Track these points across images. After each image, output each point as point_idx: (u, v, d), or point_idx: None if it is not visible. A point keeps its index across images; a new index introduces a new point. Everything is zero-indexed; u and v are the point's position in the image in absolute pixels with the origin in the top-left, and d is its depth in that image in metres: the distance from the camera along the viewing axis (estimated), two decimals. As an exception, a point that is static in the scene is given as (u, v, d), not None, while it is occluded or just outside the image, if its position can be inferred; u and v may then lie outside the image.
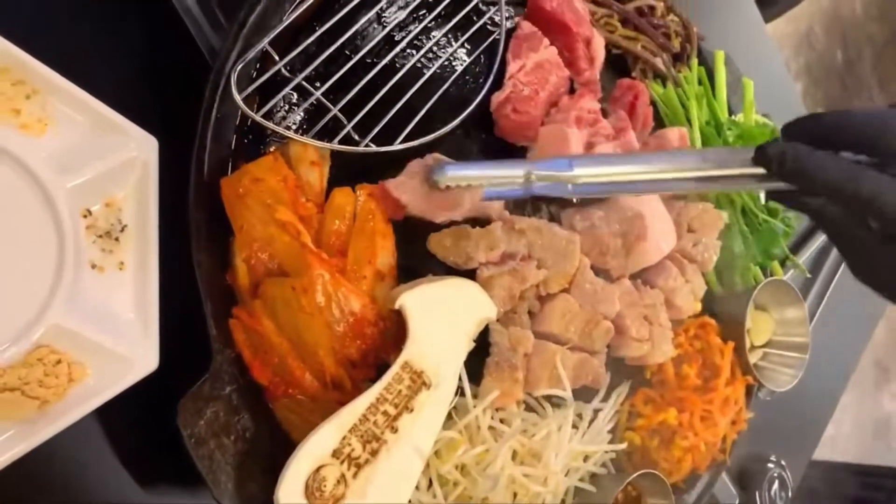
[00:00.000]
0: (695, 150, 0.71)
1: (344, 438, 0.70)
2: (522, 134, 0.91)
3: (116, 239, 0.72)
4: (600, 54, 0.97)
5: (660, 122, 1.07)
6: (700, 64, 1.13)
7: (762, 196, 1.11)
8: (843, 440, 3.53)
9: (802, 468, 1.46)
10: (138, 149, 0.72)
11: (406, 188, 0.82)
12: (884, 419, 3.82)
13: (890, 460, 3.62)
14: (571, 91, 0.97)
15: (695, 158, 0.73)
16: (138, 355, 0.70)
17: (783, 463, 1.34)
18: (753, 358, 1.12)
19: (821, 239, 1.40)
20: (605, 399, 0.96)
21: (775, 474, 1.32)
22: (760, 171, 0.67)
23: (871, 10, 4.28)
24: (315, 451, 0.68)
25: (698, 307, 1.04)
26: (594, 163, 0.78)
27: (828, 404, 1.52)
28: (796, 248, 1.34)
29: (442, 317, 0.77)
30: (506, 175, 0.80)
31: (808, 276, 1.30)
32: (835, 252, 1.44)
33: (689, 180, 0.73)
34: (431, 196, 0.83)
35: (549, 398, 0.88)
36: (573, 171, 0.77)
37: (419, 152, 0.86)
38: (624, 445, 0.94)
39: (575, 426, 0.89)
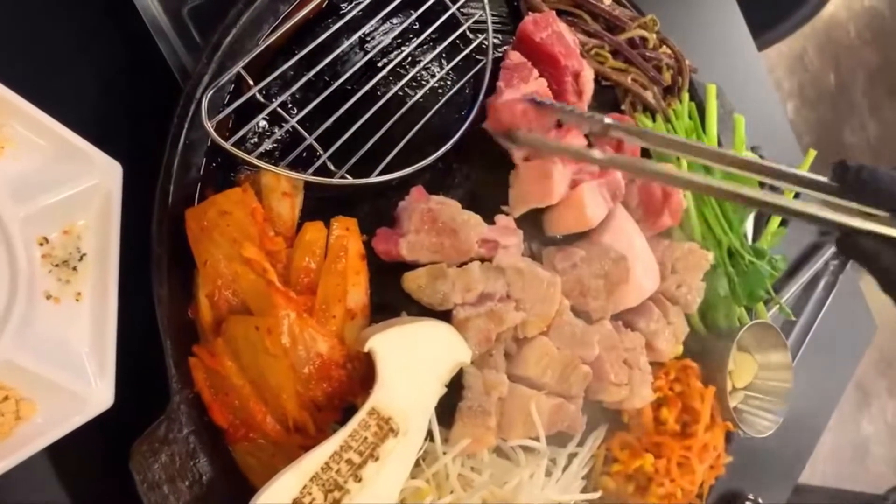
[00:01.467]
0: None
1: (304, 487, 0.67)
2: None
3: (74, 268, 0.70)
4: (589, 87, 0.94)
5: (648, 158, 1.05)
6: (692, 97, 1.11)
7: (750, 237, 1.09)
8: (821, 463, 3.54)
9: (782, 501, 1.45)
10: (101, 175, 0.69)
11: (417, 247, 0.81)
12: (862, 442, 3.83)
13: (867, 483, 3.63)
14: (558, 125, 0.94)
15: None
16: (92, 392, 0.67)
17: (760, 501, 1.32)
18: (734, 401, 1.10)
19: (802, 280, 1.38)
20: (581, 444, 0.94)
21: (752, 513, 1.30)
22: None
23: (865, 35, 4.30)
24: (274, 499, 0.65)
25: (679, 350, 1.02)
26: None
27: (808, 442, 1.51)
28: (777, 287, 1.32)
29: (413, 361, 0.74)
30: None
31: (793, 319, 1.28)
32: (817, 292, 1.43)
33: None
34: (441, 248, 0.82)
35: (522, 444, 0.86)
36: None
37: (397, 185, 0.84)
38: (598, 495, 0.92)
39: (548, 473, 0.87)
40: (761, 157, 1.25)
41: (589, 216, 0.92)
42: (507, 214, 0.89)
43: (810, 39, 4.06)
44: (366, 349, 0.72)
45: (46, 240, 0.68)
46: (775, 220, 1.18)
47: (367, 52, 0.85)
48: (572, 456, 0.92)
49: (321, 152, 0.79)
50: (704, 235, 1.06)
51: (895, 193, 0.67)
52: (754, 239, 1.15)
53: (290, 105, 0.80)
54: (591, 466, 0.96)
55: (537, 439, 0.85)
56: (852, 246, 0.69)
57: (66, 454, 0.68)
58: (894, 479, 3.74)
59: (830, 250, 1.48)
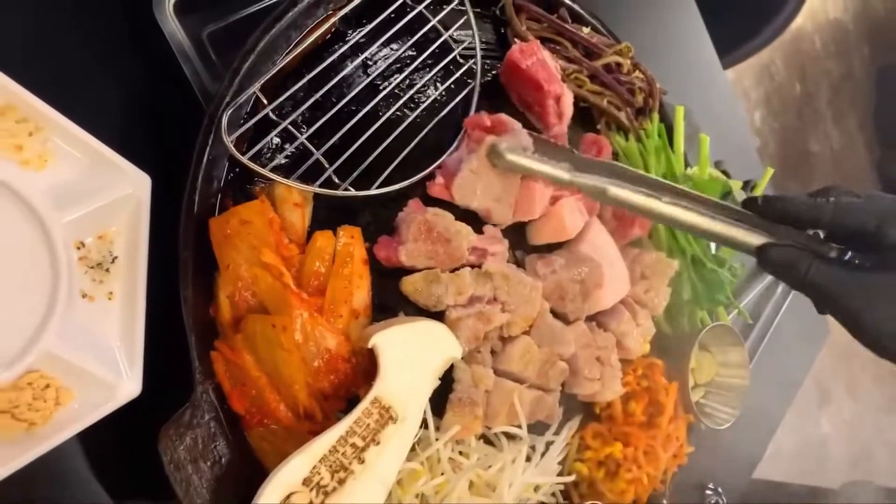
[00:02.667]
0: (711, 211, 0.84)
1: (314, 468, 0.74)
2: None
3: (107, 270, 0.76)
4: (569, 110, 1.03)
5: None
6: (661, 118, 1.19)
7: (713, 246, 1.19)
8: (782, 459, 3.65)
9: (738, 494, 1.54)
10: (132, 186, 0.76)
11: (415, 254, 0.89)
12: (821, 439, 3.96)
13: (824, 479, 3.76)
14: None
15: (708, 221, 0.84)
16: (122, 382, 0.74)
17: (720, 490, 1.41)
18: (696, 396, 1.19)
19: (761, 285, 1.49)
20: (558, 432, 1.02)
21: (712, 502, 1.40)
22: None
23: (830, 47, 4.44)
24: (287, 479, 0.73)
25: (647, 348, 1.11)
26: (628, 190, 0.87)
27: (764, 436, 1.61)
28: (740, 291, 1.42)
29: (411, 356, 0.82)
30: (554, 175, 0.90)
31: (750, 322, 1.39)
32: (776, 296, 1.54)
33: (697, 230, 0.85)
34: (436, 255, 0.90)
35: (505, 432, 0.94)
36: (610, 191, 0.88)
37: (395, 196, 0.92)
38: (572, 478, 1.01)
39: (528, 458, 0.95)
40: (724, 171, 1.35)
41: (567, 228, 1.01)
42: (494, 225, 0.98)
43: (777, 51, 4.18)
44: (369, 345, 0.79)
45: (83, 244, 0.75)
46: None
47: (369, 76, 0.93)
48: (549, 443, 1.00)
49: (327, 166, 0.87)
50: (670, 245, 1.15)
51: (802, 217, 0.77)
52: (716, 248, 1.24)
53: (300, 123, 0.88)
54: (567, 453, 1.05)
55: (519, 427, 0.94)
56: (772, 258, 0.79)
57: (99, 437, 0.74)
58: (850, 475, 3.88)
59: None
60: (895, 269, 0.71)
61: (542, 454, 0.99)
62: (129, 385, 0.74)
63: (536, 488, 0.97)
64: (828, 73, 4.44)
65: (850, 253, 0.77)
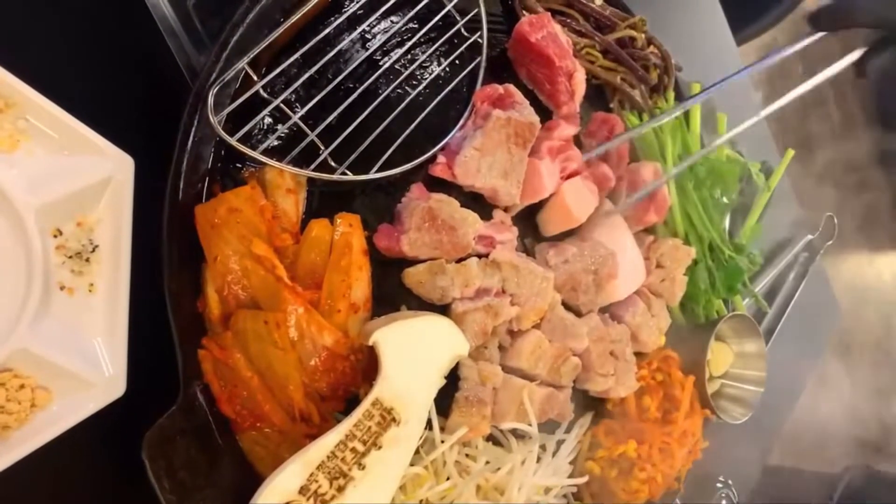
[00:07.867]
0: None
1: (311, 475, 0.69)
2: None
3: (87, 260, 0.71)
4: (581, 88, 0.97)
5: (634, 155, 1.08)
6: (677, 97, 1.14)
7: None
8: (781, 443, 3.63)
9: (750, 485, 1.50)
10: (114, 168, 0.70)
11: (418, 244, 0.83)
12: (820, 423, 3.95)
13: (823, 463, 3.75)
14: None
15: None
16: (105, 381, 0.69)
17: (730, 482, 1.38)
18: (711, 388, 1.14)
19: (774, 271, 1.44)
20: (569, 430, 0.98)
21: (723, 494, 1.36)
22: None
23: (832, 25, 4.37)
24: (281, 488, 0.68)
25: (662, 341, 1.06)
26: None
27: (776, 425, 1.58)
28: (750, 279, 1.37)
29: (415, 354, 0.77)
30: None
31: (767, 310, 1.34)
32: (788, 282, 1.48)
33: None
34: (440, 244, 0.84)
35: (514, 430, 0.89)
36: None
37: (396, 180, 0.86)
38: (585, 479, 0.96)
39: (538, 459, 0.90)
40: (739, 152, 1.29)
41: (575, 215, 0.96)
42: (504, 210, 0.92)
43: (780, 29, 4.11)
44: (370, 342, 0.74)
45: (60, 231, 0.70)
46: (753, 217, 1.23)
47: (367, 50, 0.87)
48: (560, 442, 0.96)
49: (322, 148, 0.81)
50: (687, 231, 1.10)
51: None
52: (730, 235, 1.19)
53: (293, 101, 0.82)
54: (578, 452, 1.00)
55: (529, 426, 0.88)
56: None
57: (79, 441, 0.69)
58: (849, 459, 3.87)
59: (802, 242, 1.54)
60: None
61: (553, 454, 0.94)
62: (112, 384, 0.70)
63: (546, 490, 0.92)
64: (829, 52, 4.37)
65: None
